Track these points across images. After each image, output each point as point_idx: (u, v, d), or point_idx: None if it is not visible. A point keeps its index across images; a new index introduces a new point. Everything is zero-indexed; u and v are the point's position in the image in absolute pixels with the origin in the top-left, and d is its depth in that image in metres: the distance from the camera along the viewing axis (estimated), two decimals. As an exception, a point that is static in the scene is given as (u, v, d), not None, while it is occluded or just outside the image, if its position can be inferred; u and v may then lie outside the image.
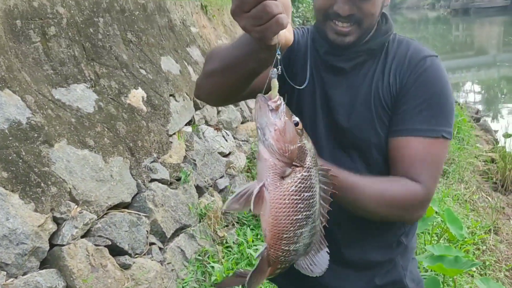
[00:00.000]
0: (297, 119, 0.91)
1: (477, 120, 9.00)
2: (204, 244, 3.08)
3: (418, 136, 1.20)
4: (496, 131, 8.57)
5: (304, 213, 0.93)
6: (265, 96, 0.91)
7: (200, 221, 3.18)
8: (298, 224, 0.93)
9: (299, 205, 0.91)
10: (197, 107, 3.86)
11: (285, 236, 0.93)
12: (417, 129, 1.20)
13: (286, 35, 0.91)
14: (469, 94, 13.97)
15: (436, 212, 3.56)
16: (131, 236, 2.60)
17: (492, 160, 6.31)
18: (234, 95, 1.24)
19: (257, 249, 3.09)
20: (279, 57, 0.90)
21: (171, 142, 3.26)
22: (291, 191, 0.90)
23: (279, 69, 0.90)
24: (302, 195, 0.91)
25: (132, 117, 2.98)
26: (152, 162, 2.98)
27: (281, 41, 0.89)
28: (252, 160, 4.43)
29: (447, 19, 49.91)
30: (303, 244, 0.97)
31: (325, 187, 0.96)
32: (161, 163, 3.07)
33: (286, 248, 0.95)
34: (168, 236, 2.90)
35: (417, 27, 44.07)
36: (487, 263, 3.56)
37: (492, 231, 4.08)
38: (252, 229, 3.35)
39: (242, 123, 4.81)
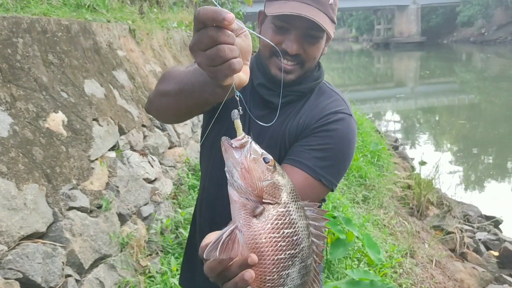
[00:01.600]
0: (268, 156, 0.88)
1: (396, 148, 9.55)
2: (125, 275, 2.97)
3: (301, 169, 1.26)
4: (412, 159, 9.14)
5: (288, 252, 0.86)
6: (228, 138, 0.88)
7: (121, 251, 3.06)
8: (282, 264, 0.86)
9: (279, 244, 0.84)
10: (122, 132, 3.76)
11: (268, 278, 0.86)
12: (303, 163, 1.26)
13: (241, 77, 0.91)
14: (389, 123, 14.81)
15: (357, 237, 3.71)
16: (45, 268, 2.45)
17: (409, 186, 6.71)
18: (185, 117, 1.26)
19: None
20: (237, 98, 0.91)
21: (93, 168, 3.14)
22: (267, 229, 0.84)
23: (240, 110, 0.89)
24: (281, 232, 0.84)
25: (51, 142, 2.84)
26: (71, 189, 2.85)
27: (234, 83, 0.90)
28: (179, 187, 4.37)
29: (369, 52, 53.02)
30: (293, 285, 0.89)
31: (316, 223, 0.90)
32: (81, 190, 2.94)
33: None
34: (86, 267, 2.76)
35: (342, 58, 46.35)
36: (404, 286, 3.73)
37: (408, 254, 4.30)
38: (176, 258, 3.27)
39: (169, 148, 4.75)
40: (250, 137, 0.89)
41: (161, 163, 4.32)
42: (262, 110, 1.39)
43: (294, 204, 0.87)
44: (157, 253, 3.32)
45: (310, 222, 0.90)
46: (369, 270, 3.41)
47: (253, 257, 0.81)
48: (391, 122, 15.04)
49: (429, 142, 12.17)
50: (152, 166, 4.02)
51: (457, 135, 12.34)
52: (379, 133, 9.46)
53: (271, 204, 0.85)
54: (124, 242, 3.08)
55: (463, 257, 5.26)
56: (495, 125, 13.35)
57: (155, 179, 3.96)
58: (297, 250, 0.86)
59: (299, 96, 1.39)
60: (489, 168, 9.96)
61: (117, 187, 3.28)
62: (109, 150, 3.46)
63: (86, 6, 4.56)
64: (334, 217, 3.62)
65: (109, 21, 4.55)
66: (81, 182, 2.97)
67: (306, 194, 1.22)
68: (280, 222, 0.85)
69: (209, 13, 0.80)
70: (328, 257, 3.47)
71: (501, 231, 6.18)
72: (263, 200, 0.85)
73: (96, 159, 3.23)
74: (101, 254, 2.90)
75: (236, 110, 0.88)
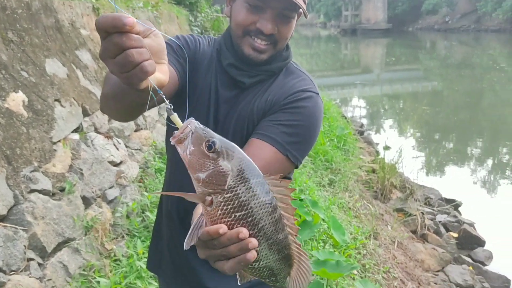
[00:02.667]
0: (213, 140, 0.86)
1: (361, 133, 9.73)
2: (89, 258, 2.92)
3: (270, 143, 1.27)
4: (377, 144, 9.34)
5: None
6: (174, 133, 0.87)
7: (86, 234, 3.01)
8: None
9: (235, 226, 0.85)
10: (85, 114, 3.66)
11: None
12: (272, 138, 1.27)
13: (158, 77, 0.88)
14: (355, 109, 15.05)
15: (323, 220, 3.77)
16: (6, 251, 2.38)
17: (373, 171, 6.85)
18: (132, 117, 1.24)
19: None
20: (163, 96, 0.89)
21: (55, 150, 3.05)
22: (219, 215, 0.85)
23: (170, 105, 0.89)
24: (233, 216, 0.85)
25: (10, 123, 2.74)
26: (32, 171, 2.76)
27: (152, 84, 0.87)
28: (145, 170, 4.31)
29: (337, 38, 53.44)
30: (271, 260, 0.91)
31: (281, 195, 0.90)
32: (42, 172, 2.86)
33: (250, 267, 0.91)
34: (49, 251, 2.70)
35: (310, 44, 46.55)
36: (367, 266, 3.83)
37: (372, 236, 4.41)
38: (143, 241, 3.25)
39: (135, 131, 4.67)
40: (193, 124, 0.87)
41: (126, 146, 4.25)
42: (231, 91, 1.39)
43: (244, 186, 0.86)
44: (122, 236, 3.28)
45: (276, 195, 0.89)
46: (334, 251, 3.48)
47: (243, 231, 0.83)
48: (357, 108, 15.28)
49: (393, 128, 12.45)
50: (117, 149, 3.94)
51: (420, 121, 12.67)
52: (345, 118, 9.59)
53: (218, 192, 0.85)
54: (88, 225, 3.03)
55: (424, 238, 5.45)
56: (456, 112, 13.77)
57: (121, 162, 3.89)
58: (256, 230, 0.87)
59: (268, 76, 1.39)
60: (449, 153, 10.30)
61: (81, 169, 3.21)
62: (72, 132, 3.37)
63: (47, -17, 4.37)
64: (301, 200, 3.67)
65: (71, -1, 4.39)
66: (43, 165, 2.88)
67: (274, 168, 1.23)
68: (229, 207, 0.85)
69: (108, 20, 0.77)
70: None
71: (460, 214, 6.43)
72: (209, 190, 0.85)
73: (59, 141, 3.14)
74: (64, 237, 2.84)
75: (167, 107, 0.89)
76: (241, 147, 1.33)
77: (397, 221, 5.32)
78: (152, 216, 3.43)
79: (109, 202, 3.43)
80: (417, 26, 56.04)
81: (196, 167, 0.85)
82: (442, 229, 5.78)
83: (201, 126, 0.87)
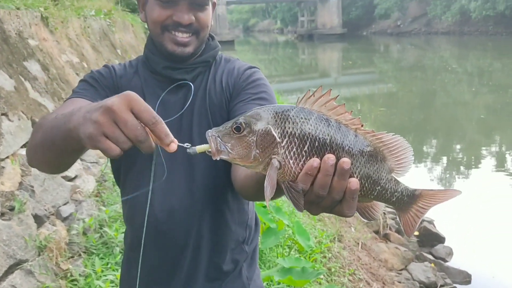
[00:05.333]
0: (234, 125, 0.86)
1: (322, 136, 9.84)
2: (44, 280, 2.76)
3: None
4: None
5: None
6: (196, 148, 0.90)
7: (39, 255, 2.85)
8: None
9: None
10: (36, 127, 3.49)
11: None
12: None
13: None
14: (314, 112, 15.19)
15: (287, 225, 3.74)
16: (-51, 280, 2.21)
17: (335, 173, 6.92)
18: (66, 166, 1.19)
19: (107, 279, 2.88)
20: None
21: (3, 167, 2.88)
22: (293, 165, 0.84)
23: (189, 145, 0.91)
24: (304, 154, 0.84)
25: (-49, 140, 2.56)
26: (-23, 191, 2.60)
27: None
28: (102, 183, 4.16)
29: (294, 43, 54.18)
30: (361, 165, 0.87)
31: (322, 105, 0.88)
32: (-11, 191, 2.69)
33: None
34: (0, 275, 2.53)
35: (268, 50, 46.96)
36: (333, 269, 3.83)
37: (336, 239, 4.42)
38: (101, 258, 3.11)
39: (91, 143, 4.51)
40: (210, 132, 0.88)
41: (82, 160, 4.09)
42: (176, 94, 1.35)
43: (288, 123, 0.85)
44: (79, 254, 3.13)
45: (318, 109, 0.87)
46: (300, 256, 3.45)
47: (315, 159, 0.82)
48: (317, 111, 15.41)
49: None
50: (71, 162, 3.78)
51: (377, 122, 12.95)
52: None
53: (276, 149, 0.85)
54: (42, 245, 2.87)
55: (386, 238, 5.53)
56: (411, 112, 14.17)
57: (76, 177, 3.73)
58: (328, 149, 0.85)
59: (205, 67, 1.40)
60: (407, 153, 10.54)
61: (32, 186, 3.04)
62: (21, 147, 3.20)
63: (-8, -8, 4.18)
64: (264, 207, 3.63)
65: (18, 8, 4.20)
66: (-11, 183, 2.72)
67: None
68: (294, 150, 0.85)
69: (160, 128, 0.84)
70: (260, 246, 3.47)
71: (420, 212, 6.56)
72: (269, 157, 0.85)
73: (7, 157, 2.97)
74: (16, 259, 2.68)
75: (187, 147, 0.90)
76: None
77: (360, 223, 5.37)
78: (110, 232, 3.29)
79: (64, 219, 3.27)
80: (371, 30, 57.52)
81: (247, 154, 0.85)
82: (404, 228, 5.88)
83: (214, 128, 0.88)
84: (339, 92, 19.23)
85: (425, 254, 5.19)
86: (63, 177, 3.50)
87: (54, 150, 1.01)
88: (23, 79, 3.68)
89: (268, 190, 0.83)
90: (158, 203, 1.36)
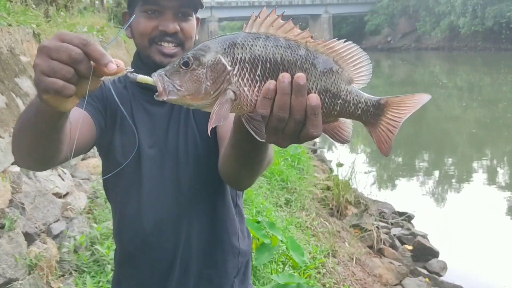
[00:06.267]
0: (182, 61, 0.82)
1: (315, 151, 9.86)
2: (34, 300, 2.71)
3: None
4: (330, 161, 9.46)
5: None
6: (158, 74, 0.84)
7: (29, 273, 2.79)
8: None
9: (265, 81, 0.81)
10: (27, 144, 3.46)
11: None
12: None
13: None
14: (307, 127, 15.22)
15: (281, 241, 3.71)
16: None
17: (328, 188, 6.91)
18: (46, 156, 1.10)
19: (98, 298, 2.83)
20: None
21: (-7, 185, 2.84)
22: (249, 92, 0.81)
23: (132, 68, 0.87)
24: (258, 78, 0.81)
25: None
26: (-33, 209, 2.56)
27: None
28: (94, 200, 4.12)
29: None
30: (317, 77, 0.85)
31: (269, 25, 0.83)
32: (-21, 209, 2.65)
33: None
34: (-11, 295, 2.48)
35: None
36: (327, 285, 3.79)
37: (330, 254, 4.39)
38: (93, 276, 3.06)
39: (82, 159, 4.48)
40: (158, 72, 0.84)
41: (73, 176, 4.05)
42: (163, 107, 1.37)
43: (238, 49, 0.82)
44: (70, 273, 3.08)
45: (265, 31, 0.83)
46: (294, 272, 3.42)
47: (271, 82, 0.81)
48: (309, 126, 15.45)
49: (344, 145, 12.67)
50: (63, 179, 3.74)
51: (369, 137, 12.92)
52: (298, 137, 9.67)
53: (228, 79, 0.81)
54: (32, 263, 2.82)
55: (380, 253, 5.50)
56: (402, 127, 14.10)
57: (67, 194, 3.69)
58: (281, 67, 0.82)
59: None
60: (399, 167, 10.59)
61: (23, 204, 3.00)
62: (12, 164, 3.17)
63: (-16, 9, 4.18)
64: (258, 222, 3.60)
65: (10, 25, 4.20)
66: (-21, 201, 2.68)
67: None
68: (246, 76, 0.82)
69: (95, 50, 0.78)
70: (253, 262, 3.44)
71: (413, 226, 6.56)
72: (222, 88, 0.81)
73: (-3, 174, 2.94)
74: (6, 278, 2.63)
75: (128, 72, 0.85)
76: (200, 148, 1.33)
77: (354, 237, 5.35)
78: (101, 249, 3.25)
79: (55, 237, 3.22)
80: (362, 46, 56.14)
81: (197, 88, 0.81)
82: (397, 242, 5.87)
83: (164, 67, 0.85)
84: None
85: (419, 269, 5.16)
86: (54, 194, 3.46)
87: (30, 130, 0.97)
88: (14, 96, 3.65)
89: (214, 117, 0.80)
90: (146, 214, 1.35)
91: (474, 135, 12.95)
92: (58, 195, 3.53)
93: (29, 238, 2.96)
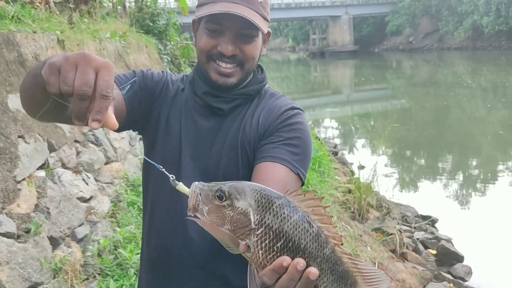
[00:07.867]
0: (219, 191, 0.83)
1: (335, 154, 9.77)
2: (59, 303, 2.76)
3: (282, 164, 1.23)
4: (351, 164, 9.38)
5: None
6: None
7: (54, 277, 2.85)
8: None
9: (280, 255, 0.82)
10: (52, 149, 3.53)
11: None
12: (282, 158, 1.24)
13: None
14: (327, 130, 15.17)
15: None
16: (-34, 303, 2.22)
17: (349, 191, 6.84)
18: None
19: (121, 301, 2.86)
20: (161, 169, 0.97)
21: (20, 190, 2.91)
22: (261, 256, 0.81)
23: (173, 177, 0.93)
24: (276, 249, 0.81)
25: (-30, 163, 2.60)
26: (-6, 213, 2.62)
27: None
28: (117, 204, 4.17)
29: (306, 61, 54.36)
30: (328, 281, 0.85)
31: (312, 207, 0.84)
32: (6, 214, 2.71)
33: None
34: (16, 298, 2.54)
35: (280, 68, 47.14)
36: (349, 290, 3.75)
37: (352, 258, 4.34)
38: (116, 280, 3.10)
39: (105, 163, 4.54)
40: (197, 185, 0.85)
41: (96, 180, 4.11)
42: (209, 121, 1.36)
43: (270, 213, 0.82)
44: (94, 276, 3.13)
45: (306, 210, 0.84)
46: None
47: (286, 258, 0.81)
48: (330, 129, 15.41)
49: (366, 147, 12.57)
50: (87, 183, 3.80)
51: (391, 139, 12.84)
52: (319, 139, 9.63)
53: (248, 234, 0.82)
54: (57, 267, 2.87)
55: (403, 257, 5.42)
56: (425, 128, 14.04)
57: (91, 198, 3.75)
58: (300, 253, 0.82)
59: (246, 99, 1.37)
60: (421, 169, 10.44)
61: (48, 208, 3.06)
62: (37, 169, 3.24)
63: (10, 17, 4.28)
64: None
65: (35, 32, 4.29)
66: (6, 206, 2.74)
67: (291, 188, 1.19)
68: (266, 242, 0.82)
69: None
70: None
71: (437, 230, 6.45)
72: (240, 237, 0.82)
73: (23, 179, 3.00)
74: (31, 282, 2.68)
75: (171, 178, 0.90)
76: (238, 175, 1.31)
77: (376, 241, 5.29)
78: (124, 253, 3.29)
79: (79, 241, 3.28)
80: (383, 47, 57.55)
81: (219, 224, 0.82)
82: (421, 247, 5.78)
83: (206, 183, 0.85)
84: (352, 109, 19.24)
85: (444, 274, 5.07)
86: (78, 198, 3.52)
87: (31, 80, 0.99)
88: (39, 102, 3.73)
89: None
90: (173, 224, 1.34)
91: (500, 137, 12.67)
92: (82, 199, 3.59)
93: (54, 242, 3.01)
